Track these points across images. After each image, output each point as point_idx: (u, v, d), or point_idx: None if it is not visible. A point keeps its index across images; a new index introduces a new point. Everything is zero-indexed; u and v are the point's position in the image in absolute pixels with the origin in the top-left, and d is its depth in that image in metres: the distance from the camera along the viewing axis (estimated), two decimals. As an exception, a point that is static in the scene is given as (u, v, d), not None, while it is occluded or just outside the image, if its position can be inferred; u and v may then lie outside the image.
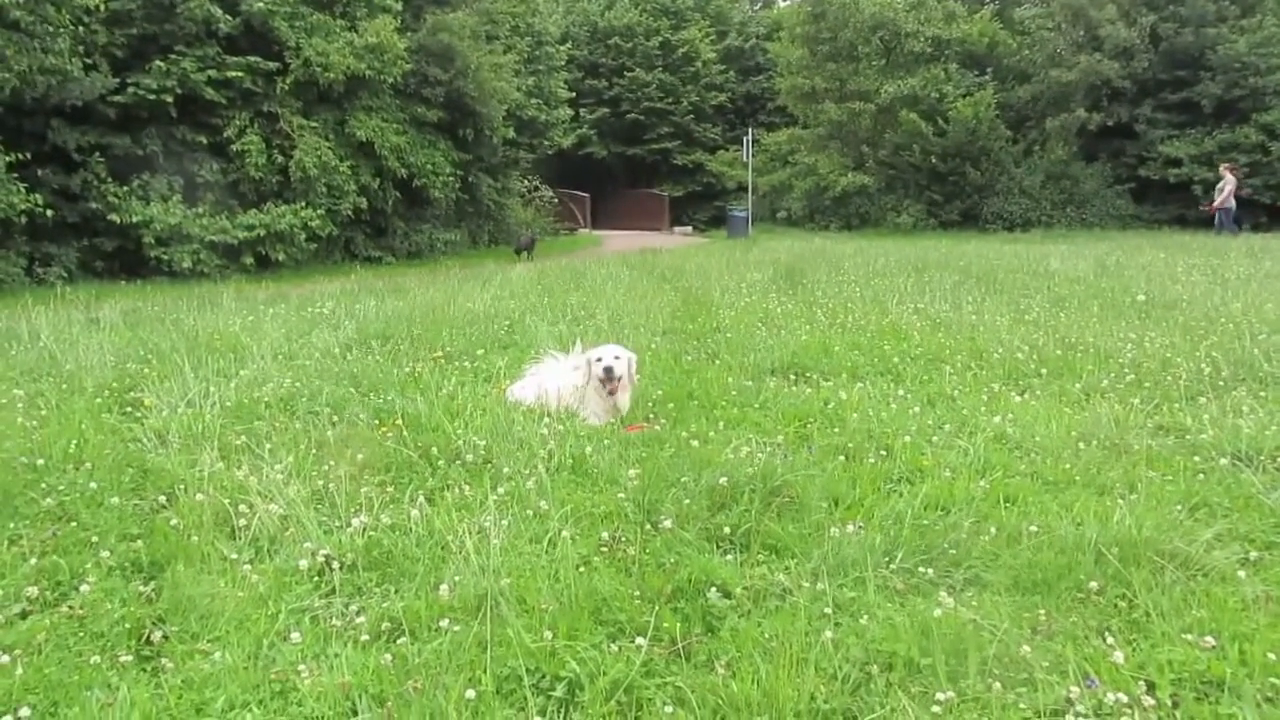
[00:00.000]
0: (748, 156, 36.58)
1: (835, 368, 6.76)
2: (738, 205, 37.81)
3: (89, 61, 17.76)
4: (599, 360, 5.43)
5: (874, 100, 34.83)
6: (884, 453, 4.64)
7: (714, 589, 3.19)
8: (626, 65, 45.37)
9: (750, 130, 38.10)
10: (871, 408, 5.52)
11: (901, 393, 6.00)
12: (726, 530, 3.68)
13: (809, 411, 5.50)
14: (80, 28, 17.43)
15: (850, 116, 35.44)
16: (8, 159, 15.89)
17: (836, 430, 5.08)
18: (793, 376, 6.61)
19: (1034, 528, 3.61)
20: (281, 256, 20.05)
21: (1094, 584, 3.17)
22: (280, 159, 20.60)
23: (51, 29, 16.25)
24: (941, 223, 33.57)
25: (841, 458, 4.55)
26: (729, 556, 3.49)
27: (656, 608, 3.05)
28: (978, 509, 3.86)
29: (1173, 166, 31.43)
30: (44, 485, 4.20)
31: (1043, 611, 3.01)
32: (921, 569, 3.33)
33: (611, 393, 5.41)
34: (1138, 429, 5.06)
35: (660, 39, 45.63)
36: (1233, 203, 26.22)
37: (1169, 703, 2.60)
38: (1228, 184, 26.03)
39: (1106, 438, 4.89)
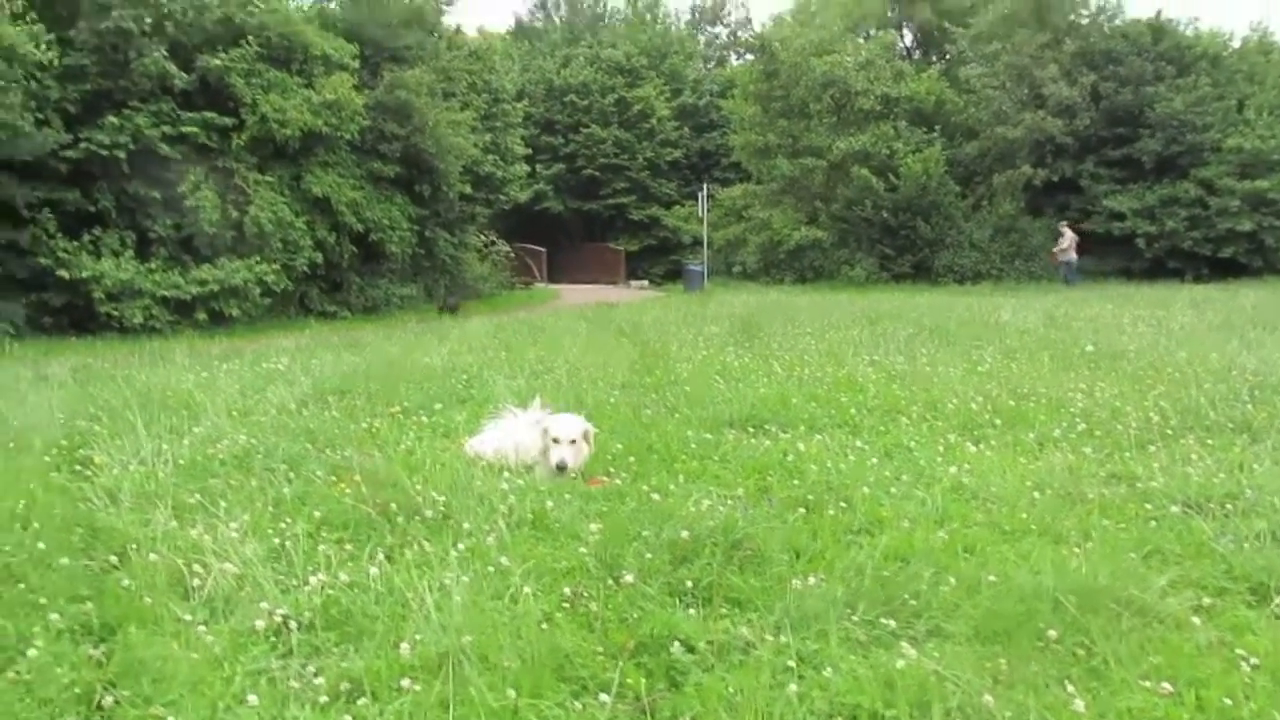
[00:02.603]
0: (703, 211, 36.95)
1: (793, 420, 6.80)
2: (693, 259, 38.09)
3: (41, 116, 17.63)
4: (555, 441, 5.35)
5: (826, 156, 35.45)
6: (844, 504, 4.67)
7: (677, 643, 3.17)
8: (582, 122, 45.82)
9: (705, 185, 38.54)
10: (830, 459, 5.56)
11: (859, 444, 6.05)
12: (689, 584, 3.67)
13: (768, 464, 5.52)
14: (32, 82, 17.32)
15: (803, 172, 36.02)
16: (-46, 215, 15.68)
17: (796, 482, 5.10)
18: (751, 429, 6.64)
19: (993, 577, 3.64)
20: (235, 312, 19.86)
21: (1053, 632, 3.20)
22: (235, 214, 20.48)
23: (3, 84, 16.14)
24: (894, 276, 34.07)
25: (802, 510, 4.56)
26: (692, 610, 3.48)
27: (620, 663, 3.03)
28: (937, 559, 3.89)
29: (1116, 220, 32.30)
30: (-11, 547, 4.10)
31: (1004, 661, 3.03)
32: (883, 620, 3.34)
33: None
34: (1091, 477, 5.14)
35: (615, 96, 46.18)
36: (1073, 256, 29.48)
37: (1130, 750, 2.62)
38: (1067, 239, 29.33)
39: (1061, 487, 4.96)
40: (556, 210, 46.26)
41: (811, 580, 3.64)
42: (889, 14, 47.07)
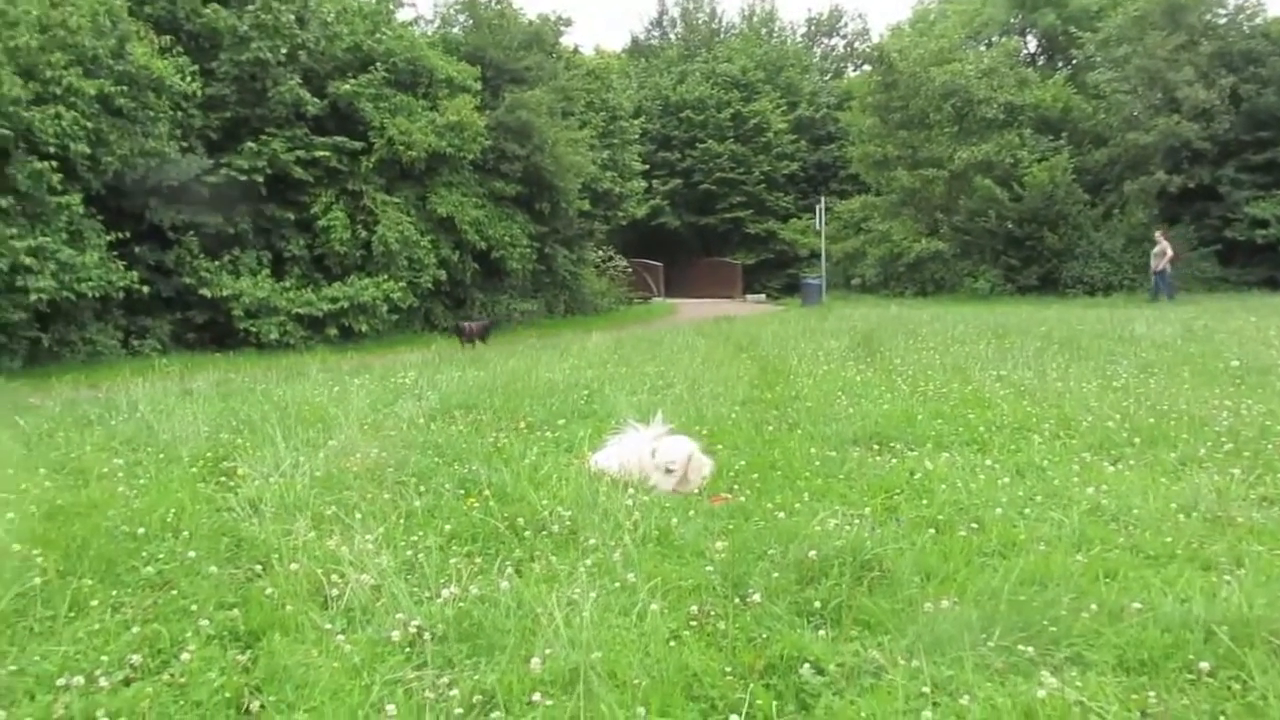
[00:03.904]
0: (820, 224, 36.64)
1: (919, 437, 6.65)
2: (811, 273, 37.79)
3: (185, 144, 18.62)
4: (657, 468, 5.41)
5: (947, 166, 34.76)
6: (975, 525, 4.54)
7: (807, 665, 3.13)
8: (698, 137, 46.02)
9: (822, 198, 38.22)
10: (959, 479, 5.42)
11: (989, 463, 5.88)
12: (817, 604, 3.62)
13: (895, 483, 5.42)
14: (178, 112, 18.31)
15: (923, 183, 35.40)
16: (109, 238, 16.63)
17: (924, 502, 4.99)
18: (876, 446, 6.52)
19: (1137, 604, 3.48)
20: (364, 327, 20.57)
21: (1205, 664, 3.05)
22: (363, 233, 21.26)
23: (152, 114, 17.11)
24: (1019, 288, 33.12)
25: (931, 530, 4.46)
26: (821, 632, 3.43)
27: (749, 684, 3.00)
28: (1076, 584, 3.74)
29: (1260, 228, 30.67)
30: (144, 553, 4.32)
31: (1152, 693, 2.90)
32: (1021, 647, 3.23)
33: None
34: (1240, 500, 4.88)
35: (731, 111, 46.28)
36: (1169, 267, 27.20)
37: (1294, 792, 2.48)
38: (1165, 248, 27.07)
39: (1207, 510, 4.73)
40: (673, 225, 46.53)
41: (944, 603, 3.54)
42: (1011, 20, 45.94)
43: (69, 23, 15.62)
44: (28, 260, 14.67)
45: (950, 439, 6.64)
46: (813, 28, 62.82)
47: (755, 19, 60.42)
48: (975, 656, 3.16)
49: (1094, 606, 3.50)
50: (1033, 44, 47.56)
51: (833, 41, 63.01)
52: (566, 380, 10.00)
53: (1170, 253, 27.12)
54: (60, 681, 3.11)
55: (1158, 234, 28.11)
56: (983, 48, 41.37)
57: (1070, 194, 33.25)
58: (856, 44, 60.61)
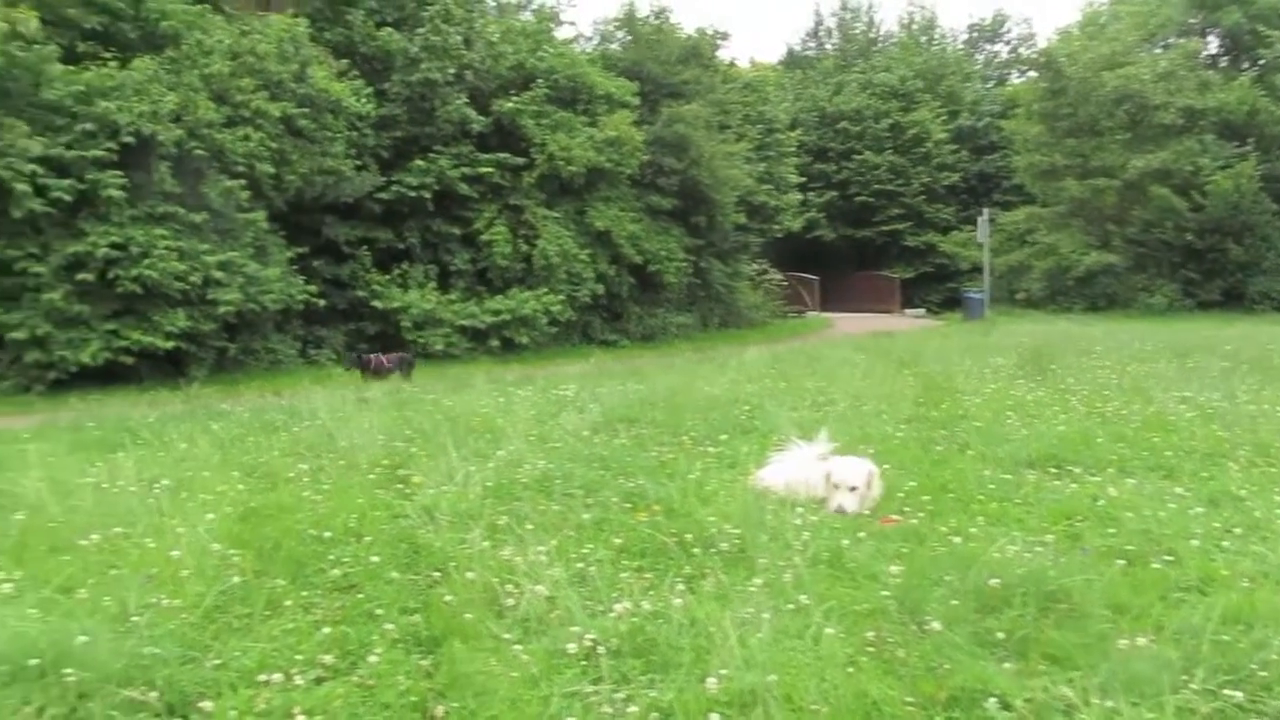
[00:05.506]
0: (983, 237, 35.51)
1: (1099, 461, 6.34)
2: (973, 287, 36.63)
3: (359, 163, 19.52)
4: (836, 487, 5.30)
5: (1119, 175, 33.19)
6: (1169, 558, 4.29)
7: (992, 699, 3.01)
8: (855, 148, 45.28)
9: (985, 210, 37.02)
10: (1147, 507, 5.14)
11: (1179, 490, 5.55)
12: (1000, 635, 3.48)
13: (1076, 509, 5.17)
14: (354, 132, 19.23)
15: (1093, 193, 33.88)
16: (289, 254, 17.59)
17: (1111, 531, 4.75)
18: (1053, 470, 6.26)
19: (1358, 650, 3.22)
20: (524, 339, 21.07)
21: None
22: (524, 248, 21.80)
23: (330, 134, 18.01)
24: (1199, 303, 31.30)
25: (1121, 561, 4.23)
26: (1005, 664, 3.29)
27: (932, 716, 2.91)
28: (1287, 625, 3.49)
29: None
30: (331, 556, 4.52)
31: (1383, 750, 2.68)
32: (1227, 691, 3.02)
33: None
34: None
35: (889, 121, 45.35)
36: None
37: None
38: None
39: None
40: (829, 238, 45.88)
41: (1140, 640, 3.35)
42: (1190, 20, 43.43)
43: (257, 50, 16.64)
44: (218, 274, 15.64)
45: (1134, 464, 6.31)
46: (974, 34, 61.00)
47: (914, 27, 59.10)
48: (1177, 700, 2.98)
49: (1309, 651, 3.25)
50: (1214, 45, 44.82)
51: (995, 48, 61.02)
52: (726, 395, 9.98)
53: None
54: (260, 677, 3.27)
55: None
56: (1159, 50, 39.26)
57: (1257, 203, 31.27)
58: (1021, 49, 58.42)
